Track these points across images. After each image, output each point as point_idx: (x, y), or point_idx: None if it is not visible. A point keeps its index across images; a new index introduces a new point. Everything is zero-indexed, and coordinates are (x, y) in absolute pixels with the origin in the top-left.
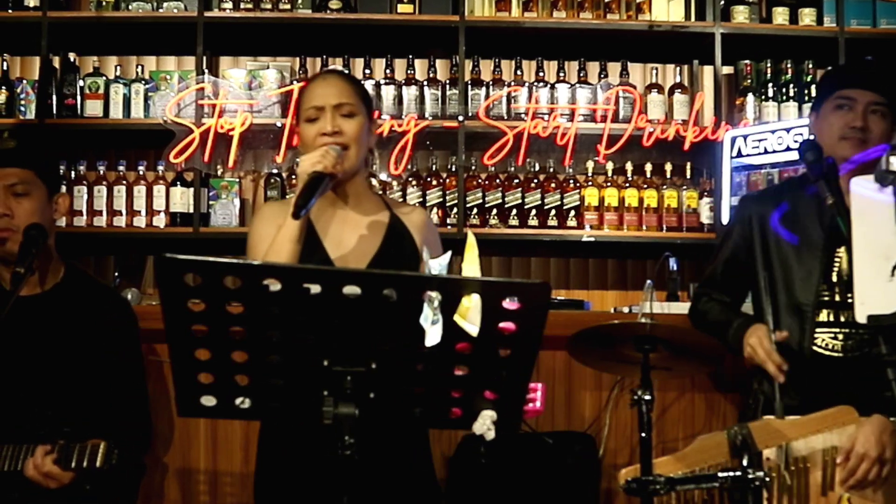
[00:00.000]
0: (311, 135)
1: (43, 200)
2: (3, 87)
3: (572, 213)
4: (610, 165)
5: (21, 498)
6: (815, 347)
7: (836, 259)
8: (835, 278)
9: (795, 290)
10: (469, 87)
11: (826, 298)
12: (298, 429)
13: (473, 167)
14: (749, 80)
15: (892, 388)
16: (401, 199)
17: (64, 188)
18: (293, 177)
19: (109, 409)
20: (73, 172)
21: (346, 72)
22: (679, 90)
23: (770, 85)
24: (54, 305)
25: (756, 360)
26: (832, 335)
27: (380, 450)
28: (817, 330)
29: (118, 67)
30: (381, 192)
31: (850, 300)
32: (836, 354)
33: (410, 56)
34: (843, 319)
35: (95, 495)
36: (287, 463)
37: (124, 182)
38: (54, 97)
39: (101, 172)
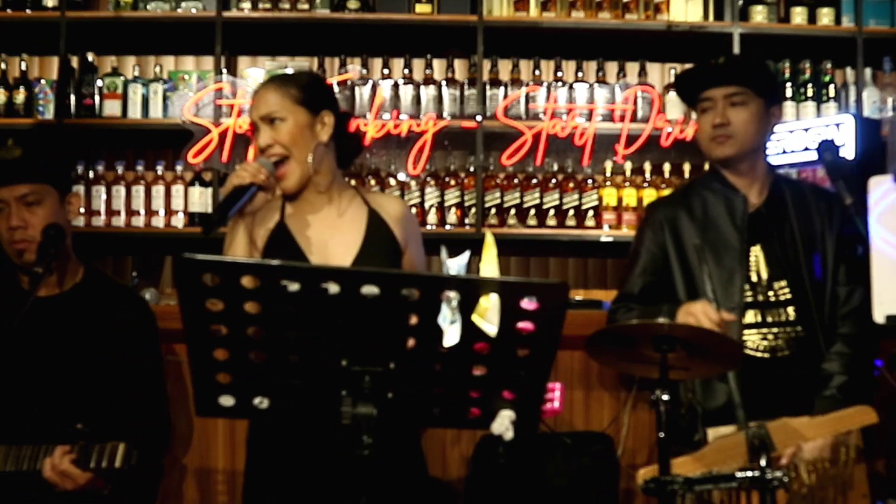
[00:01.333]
0: (255, 151)
1: (56, 205)
2: (22, 87)
3: (590, 213)
4: (628, 165)
5: (39, 498)
6: (744, 349)
7: (752, 258)
8: (755, 278)
9: (718, 292)
10: (487, 86)
11: (750, 299)
12: (288, 429)
13: (492, 167)
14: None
15: (827, 388)
16: (377, 190)
17: (82, 188)
18: None
19: (128, 409)
20: (91, 172)
21: (284, 75)
22: None
23: (788, 85)
24: (73, 306)
25: (689, 320)
26: (761, 336)
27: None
28: (745, 331)
29: (136, 67)
30: (354, 185)
31: (772, 299)
32: (764, 355)
33: (429, 56)
34: (770, 319)
35: (114, 497)
36: (277, 464)
37: (142, 182)
38: (72, 97)
39: (120, 172)
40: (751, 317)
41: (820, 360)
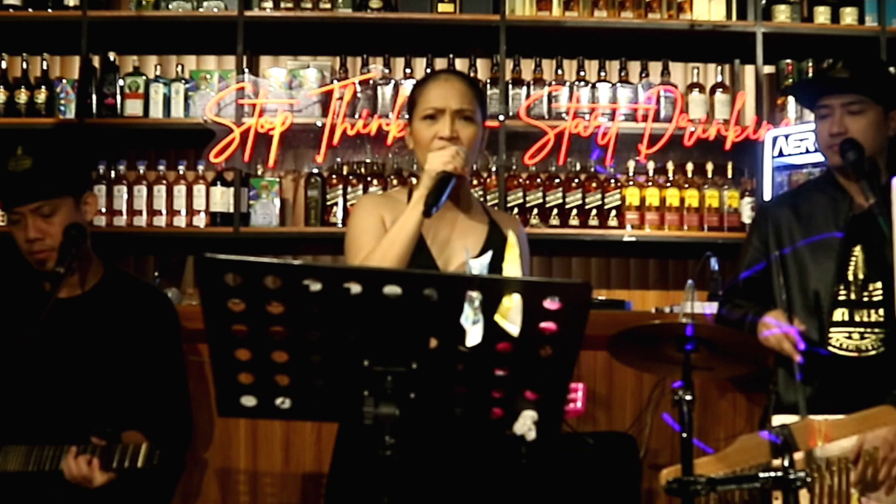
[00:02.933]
0: (427, 135)
1: (71, 210)
2: (43, 87)
3: (613, 212)
4: (651, 165)
5: (62, 498)
6: (829, 347)
7: (853, 258)
8: (851, 277)
9: (810, 289)
10: (510, 86)
11: (842, 298)
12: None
13: (514, 167)
14: (790, 80)
15: None
16: (496, 206)
17: (104, 188)
18: (333, 176)
19: (150, 405)
20: (112, 172)
21: (466, 74)
22: (720, 89)
23: None
24: (95, 305)
25: (770, 341)
26: (846, 335)
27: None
28: (832, 329)
29: (158, 67)
30: (479, 199)
31: (865, 299)
32: (850, 354)
33: (451, 55)
34: (857, 319)
35: (134, 492)
36: (364, 465)
37: (164, 182)
38: (94, 97)
39: (141, 172)
40: (838, 315)
41: None
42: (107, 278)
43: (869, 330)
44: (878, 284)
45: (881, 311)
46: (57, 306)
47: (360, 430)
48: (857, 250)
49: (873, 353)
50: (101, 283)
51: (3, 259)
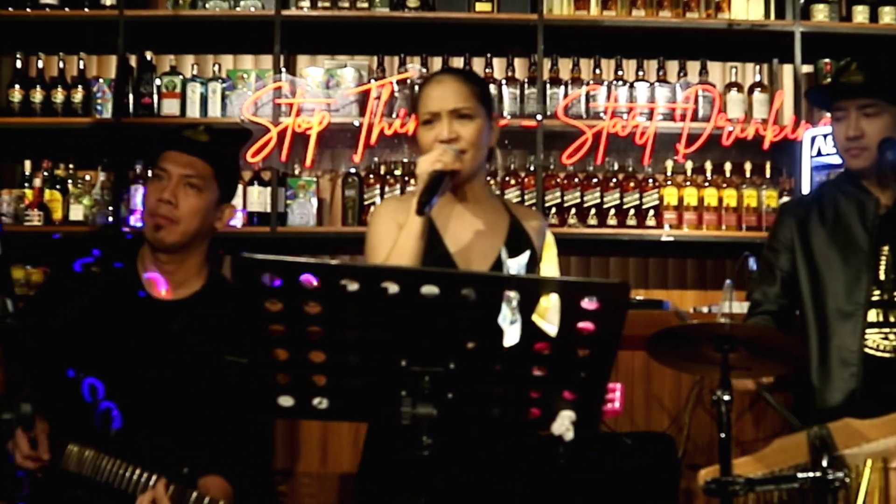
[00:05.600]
0: (428, 140)
1: (211, 202)
2: (80, 86)
3: (651, 212)
4: (689, 164)
5: None
6: (864, 349)
7: (882, 258)
8: (882, 277)
9: (843, 292)
10: (547, 85)
11: (875, 298)
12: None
13: (552, 166)
14: (829, 79)
15: None
16: (533, 206)
17: (140, 188)
18: (370, 176)
19: (234, 436)
20: (149, 172)
21: (465, 70)
22: (759, 89)
23: None
24: (194, 312)
25: None
26: (882, 335)
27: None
28: (867, 331)
29: (195, 66)
30: (500, 194)
31: None
32: (886, 355)
33: (489, 55)
34: (892, 319)
35: None
36: (394, 464)
37: None
38: (131, 96)
39: None
40: (873, 316)
41: None
42: (209, 285)
43: None
44: None
45: None
46: (155, 307)
47: (391, 430)
48: (886, 250)
49: None
50: (203, 290)
51: (105, 260)
